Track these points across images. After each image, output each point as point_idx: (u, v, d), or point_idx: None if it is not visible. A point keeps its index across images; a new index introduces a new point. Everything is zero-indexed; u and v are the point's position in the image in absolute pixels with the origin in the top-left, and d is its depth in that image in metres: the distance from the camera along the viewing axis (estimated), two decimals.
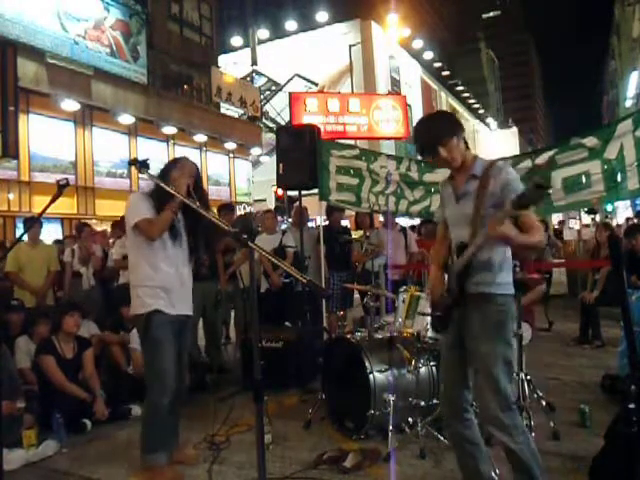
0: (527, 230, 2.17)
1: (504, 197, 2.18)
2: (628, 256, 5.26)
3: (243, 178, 18.03)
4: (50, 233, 7.64)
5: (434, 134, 2.35)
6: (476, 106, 47.53)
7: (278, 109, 22.71)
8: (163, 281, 2.93)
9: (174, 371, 2.93)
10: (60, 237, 10.51)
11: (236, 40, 25.41)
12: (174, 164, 3.10)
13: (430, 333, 3.54)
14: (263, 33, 25.77)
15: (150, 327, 2.89)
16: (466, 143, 2.40)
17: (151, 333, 2.89)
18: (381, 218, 6.06)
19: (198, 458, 3.21)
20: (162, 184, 2.72)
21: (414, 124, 2.48)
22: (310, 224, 6.70)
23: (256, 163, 20.16)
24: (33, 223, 5.59)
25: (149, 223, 2.91)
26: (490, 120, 49.55)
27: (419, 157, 3.35)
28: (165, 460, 2.94)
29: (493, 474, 2.41)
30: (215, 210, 5.56)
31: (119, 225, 6.00)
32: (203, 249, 3.18)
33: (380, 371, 3.40)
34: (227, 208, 6.39)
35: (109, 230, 6.45)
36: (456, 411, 2.39)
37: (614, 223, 15.72)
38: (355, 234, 6.47)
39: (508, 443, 2.17)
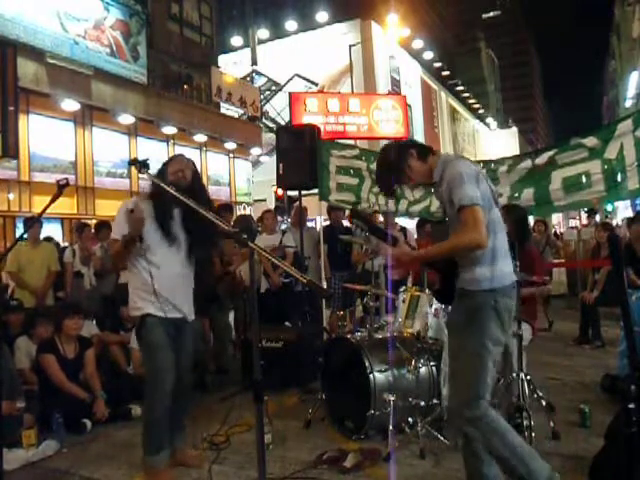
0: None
1: (450, 198, 2.21)
2: (626, 250, 5.18)
3: (243, 178, 17.99)
4: (50, 233, 7.58)
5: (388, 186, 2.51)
6: (476, 106, 47.45)
7: (278, 109, 22.68)
8: (156, 285, 2.86)
9: (173, 372, 2.89)
10: (59, 237, 10.58)
11: (236, 40, 25.35)
12: (167, 162, 3.11)
13: (430, 333, 3.55)
14: (263, 33, 25.71)
15: (143, 330, 2.91)
16: (427, 149, 2.42)
17: (144, 336, 2.92)
18: (381, 218, 6.06)
19: (201, 459, 3.20)
20: (162, 184, 2.67)
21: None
22: (310, 224, 6.70)
23: (256, 163, 20.11)
24: (33, 223, 5.58)
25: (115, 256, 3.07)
26: (490, 120, 49.46)
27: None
28: (166, 461, 2.93)
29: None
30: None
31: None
32: (202, 249, 3.14)
33: (380, 371, 3.40)
34: (225, 209, 6.36)
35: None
36: None
37: (614, 223, 15.70)
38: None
39: (468, 432, 2.19)
